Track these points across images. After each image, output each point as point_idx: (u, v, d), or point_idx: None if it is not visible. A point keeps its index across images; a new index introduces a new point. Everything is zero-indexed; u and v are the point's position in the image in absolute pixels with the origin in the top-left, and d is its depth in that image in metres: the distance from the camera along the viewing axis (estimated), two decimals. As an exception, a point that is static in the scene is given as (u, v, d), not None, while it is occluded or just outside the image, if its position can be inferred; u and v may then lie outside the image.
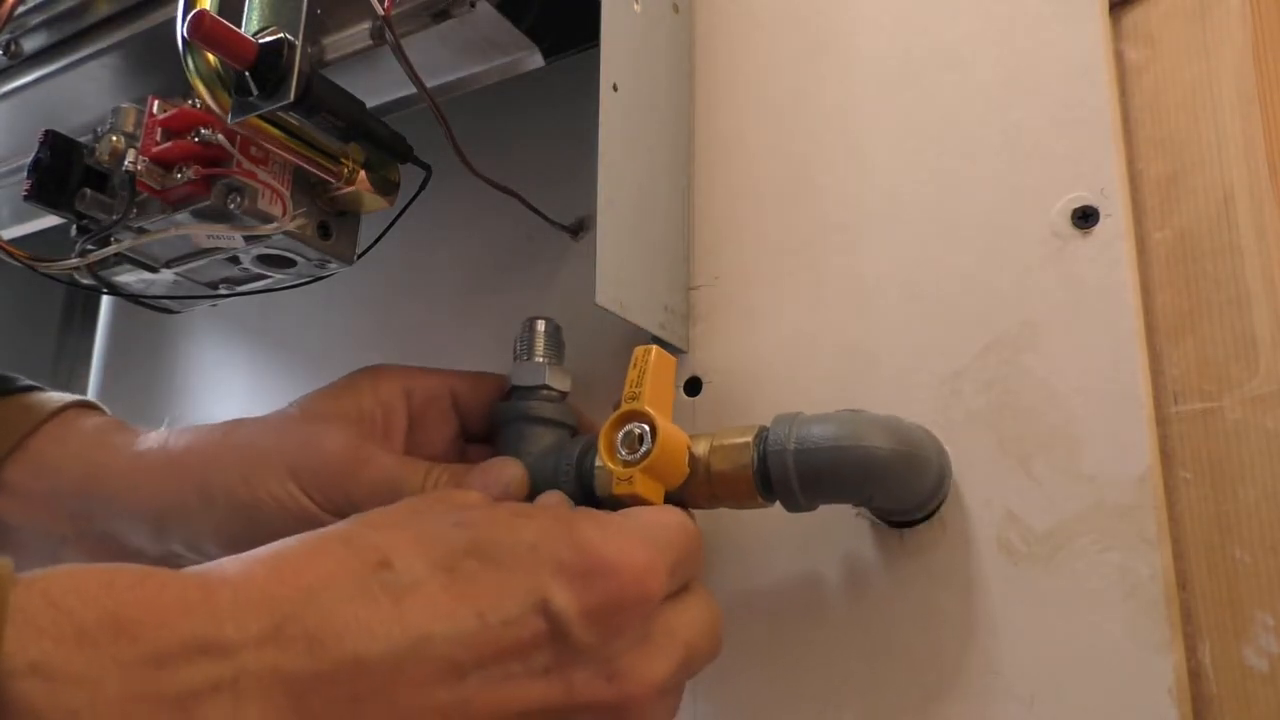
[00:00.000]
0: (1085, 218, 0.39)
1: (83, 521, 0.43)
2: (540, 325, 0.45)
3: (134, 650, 0.24)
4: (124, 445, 0.45)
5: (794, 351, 0.45)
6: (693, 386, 0.47)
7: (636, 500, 0.37)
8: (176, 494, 0.42)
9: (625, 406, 0.38)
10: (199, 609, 0.26)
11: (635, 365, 0.39)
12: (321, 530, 0.31)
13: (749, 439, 0.37)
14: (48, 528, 0.44)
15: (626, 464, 0.37)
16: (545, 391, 0.44)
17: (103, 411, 0.48)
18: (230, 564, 0.28)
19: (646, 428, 0.37)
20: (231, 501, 0.41)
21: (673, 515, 0.35)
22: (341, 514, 0.39)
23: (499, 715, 0.28)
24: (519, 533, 0.31)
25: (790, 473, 0.36)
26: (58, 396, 0.47)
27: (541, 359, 0.44)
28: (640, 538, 0.32)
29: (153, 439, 0.45)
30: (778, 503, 0.38)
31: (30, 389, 0.47)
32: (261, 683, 0.25)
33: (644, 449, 0.37)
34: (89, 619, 0.24)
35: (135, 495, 0.43)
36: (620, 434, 0.38)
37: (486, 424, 0.46)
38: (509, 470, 0.40)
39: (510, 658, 0.28)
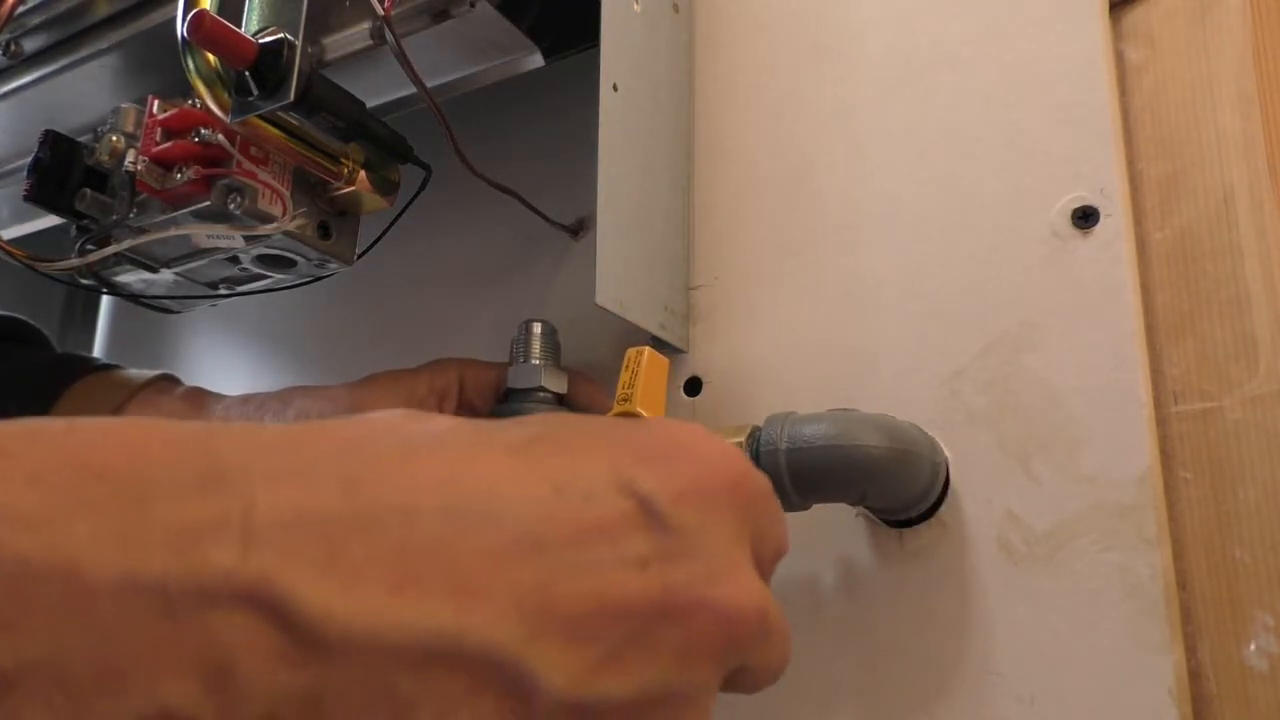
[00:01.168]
0: (1085, 218, 0.39)
1: None
2: (536, 328, 0.45)
3: (104, 489, 0.19)
4: (208, 406, 0.48)
5: (794, 351, 0.45)
6: (693, 386, 0.47)
7: None
8: None
9: (617, 408, 0.38)
10: (191, 445, 0.20)
11: (627, 367, 0.40)
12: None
13: (741, 439, 0.37)
14: None
15: None
16: (541, 394, 0.44)
17: (182, 383, 0.52)
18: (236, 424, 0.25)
19: None
20: None
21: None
22: None
23: (585, 612, 0.21)
24: (586, 424, 0.26)
25: (783, 472, 0.36)
26: (146, 371, 0.50)
27: (538, 361, 0.44)
28: (712, 436, 0.26)
29: (232, 400, 0.48)
30: (774, 502, 0.38)
31: (116, 366, 0.51)
32: (280, 520, 0.19)
33: None
34: (43, 463, 0.19)
35: None
36: None
37: None
38: None
39: (598, 539, 0.22)
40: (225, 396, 0.49)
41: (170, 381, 0.50)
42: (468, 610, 0.20)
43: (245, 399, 0.47)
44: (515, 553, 0.21)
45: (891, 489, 0.37)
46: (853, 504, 0.40)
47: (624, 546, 0.22)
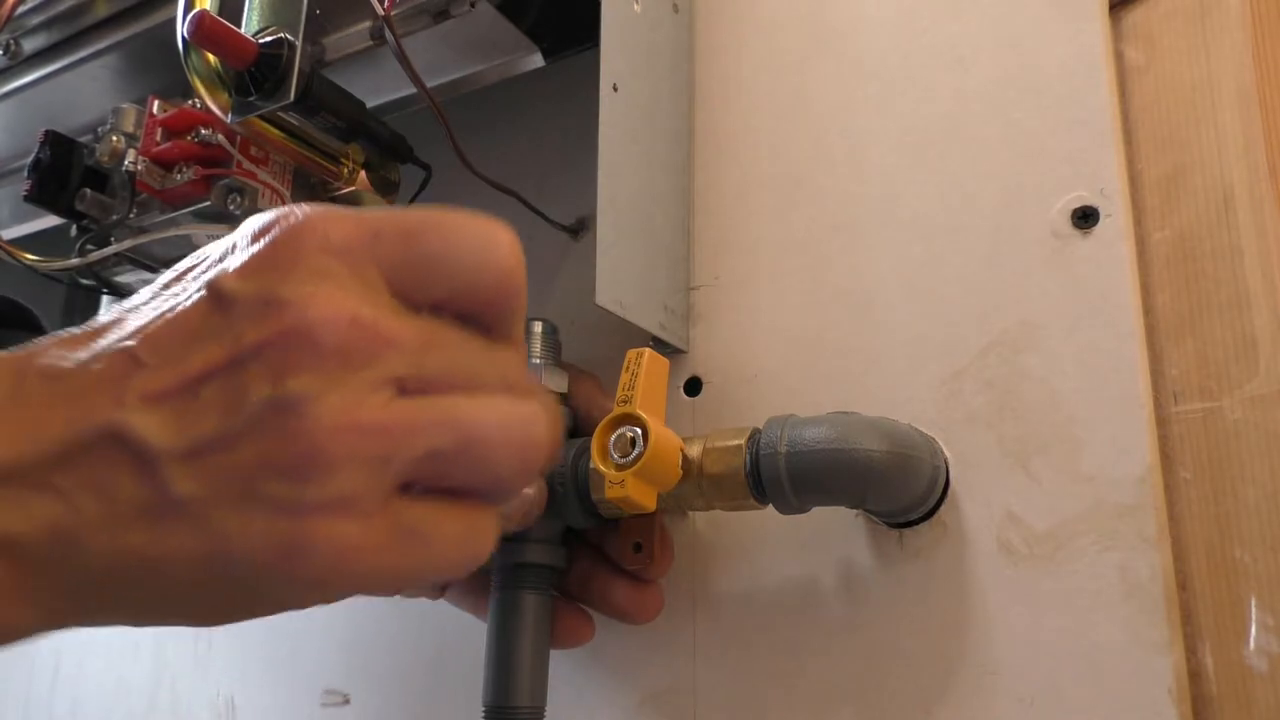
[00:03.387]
0: (1085, 218, 0.39)
1: None
2: (537, 327, 0.45)
3: None
4: None
5: (794, 351, 0.45)
6: (693, 386, 0.47)
7: (629, 504, 0.37)
8: None
9: (617, 410, 0.39)
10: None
11: (627, 368, 0.40)
12: None
13: (741, 441, 0.37)
14: None
15: (619, 467, 0.37)
16: None
17: None
18: None
19: (638, 431, 0.37)
20: None
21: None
22: None
23: (169, 387, 0.25)
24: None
25: (782, 475, 0.36)
26: None
27: (538, 360, 0.44)
28: (328, 212, 0.27)
29: None
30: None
31: None
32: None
33: (636, 452, 0.37)
34: None
35: None
36: (612, 437, 0.38)
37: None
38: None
39: (175, 328, 0.26)
40: None
41: None
42: (89, 410, 0.25)
43: None
44: (112, 357, 0.25)
45: (891, 493, 0.37)
46: (852, 507, 0.40)
47: (198, 328, 0.26)
